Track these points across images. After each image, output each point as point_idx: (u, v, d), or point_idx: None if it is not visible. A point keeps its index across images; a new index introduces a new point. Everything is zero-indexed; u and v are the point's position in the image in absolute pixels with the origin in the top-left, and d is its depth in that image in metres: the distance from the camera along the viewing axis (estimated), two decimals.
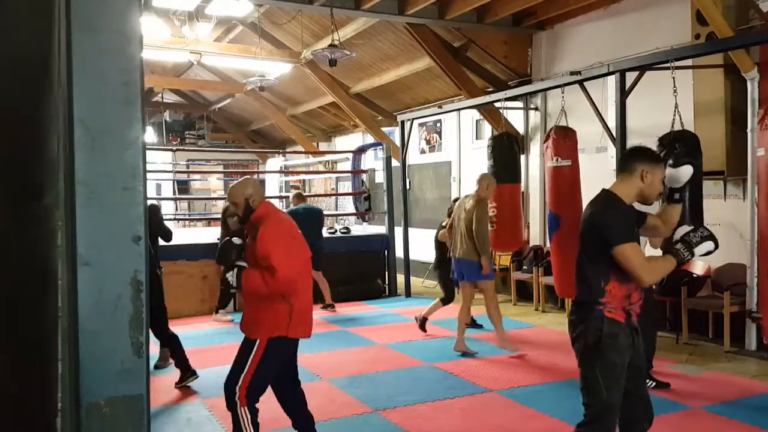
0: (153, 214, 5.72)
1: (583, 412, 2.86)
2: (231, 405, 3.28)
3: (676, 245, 2.78)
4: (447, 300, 6.80)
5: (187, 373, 5.09)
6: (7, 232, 1.50)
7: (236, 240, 3.44)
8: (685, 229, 2.85)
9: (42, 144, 1.52)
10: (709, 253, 2.81)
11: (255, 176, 17.35)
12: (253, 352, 3.26)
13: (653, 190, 2.91)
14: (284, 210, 7.96)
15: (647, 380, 4.80)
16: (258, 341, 3.27)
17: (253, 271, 3.27)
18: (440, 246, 7.04)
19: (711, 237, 2.79)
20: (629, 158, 2.95)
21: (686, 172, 3.10)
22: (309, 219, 7.81)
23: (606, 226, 2.78)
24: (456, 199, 7.49)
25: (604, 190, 2.94)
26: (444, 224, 7.12)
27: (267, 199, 3.51)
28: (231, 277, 3.30)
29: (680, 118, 5.15)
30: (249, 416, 3.24)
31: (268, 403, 3.48)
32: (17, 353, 1.51)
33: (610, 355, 2.76)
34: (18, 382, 1.50)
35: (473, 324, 7.14)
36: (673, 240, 2.86)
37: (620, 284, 2.77)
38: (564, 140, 6.11)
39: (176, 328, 5.33)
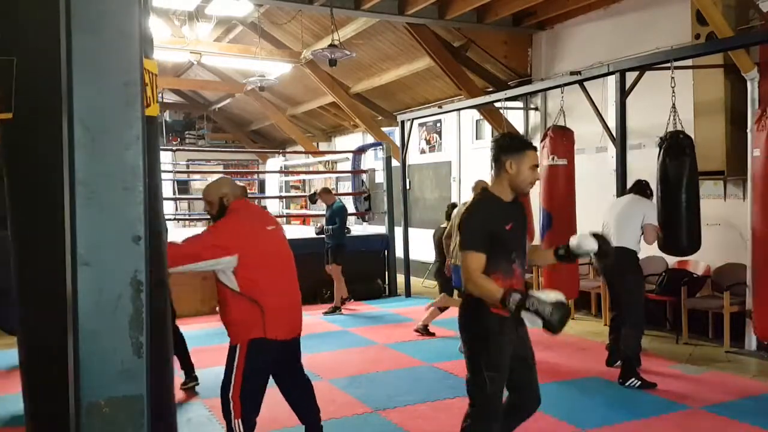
0: None
1: (469, 403, 2.87)
2: (226, 414, 3.23)
3: (513, 295, 2.58)
4: (443, 307, 6.79)
5: (191, 378, 5.02)
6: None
7: None
8: (539, 294, 2.55)
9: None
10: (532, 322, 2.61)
11: (255, 176, 17.42)
12: (236, 359, 3.20)
13: (522, 179, 2.79)
14: (332, 207, 8.12)
15: (633, 379, 4.84)
16: (239, 346, 3.21)
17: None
18: (440, 253, 6.97)
19: (540, 315, 2.53)
20: (494, 150, 2.85)
21: (589, 246, 2.92)
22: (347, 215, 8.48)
23: (462, 230, 2.82)
24: (453, 204, 7.45)
25: (483, 189, 2.95)
26: (444, 226, 7.08)
27: (245, 199, 3.41)
28: None
29: (678, 119, 5.15)
30: (242, 429, 3.18)
31: (268, 402, 3.48)
32: None
33: (494, 350, 2.77)
34: None
35: None
36: (526, 292, 2.64)
37: (504, 279, 2.75)
38: (561, 140, 6.17)
39: None
